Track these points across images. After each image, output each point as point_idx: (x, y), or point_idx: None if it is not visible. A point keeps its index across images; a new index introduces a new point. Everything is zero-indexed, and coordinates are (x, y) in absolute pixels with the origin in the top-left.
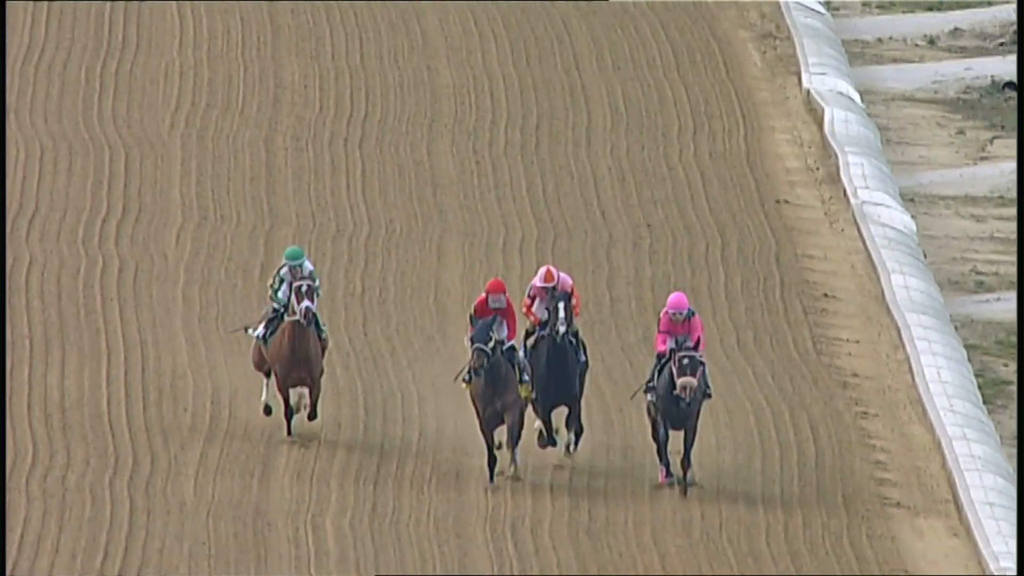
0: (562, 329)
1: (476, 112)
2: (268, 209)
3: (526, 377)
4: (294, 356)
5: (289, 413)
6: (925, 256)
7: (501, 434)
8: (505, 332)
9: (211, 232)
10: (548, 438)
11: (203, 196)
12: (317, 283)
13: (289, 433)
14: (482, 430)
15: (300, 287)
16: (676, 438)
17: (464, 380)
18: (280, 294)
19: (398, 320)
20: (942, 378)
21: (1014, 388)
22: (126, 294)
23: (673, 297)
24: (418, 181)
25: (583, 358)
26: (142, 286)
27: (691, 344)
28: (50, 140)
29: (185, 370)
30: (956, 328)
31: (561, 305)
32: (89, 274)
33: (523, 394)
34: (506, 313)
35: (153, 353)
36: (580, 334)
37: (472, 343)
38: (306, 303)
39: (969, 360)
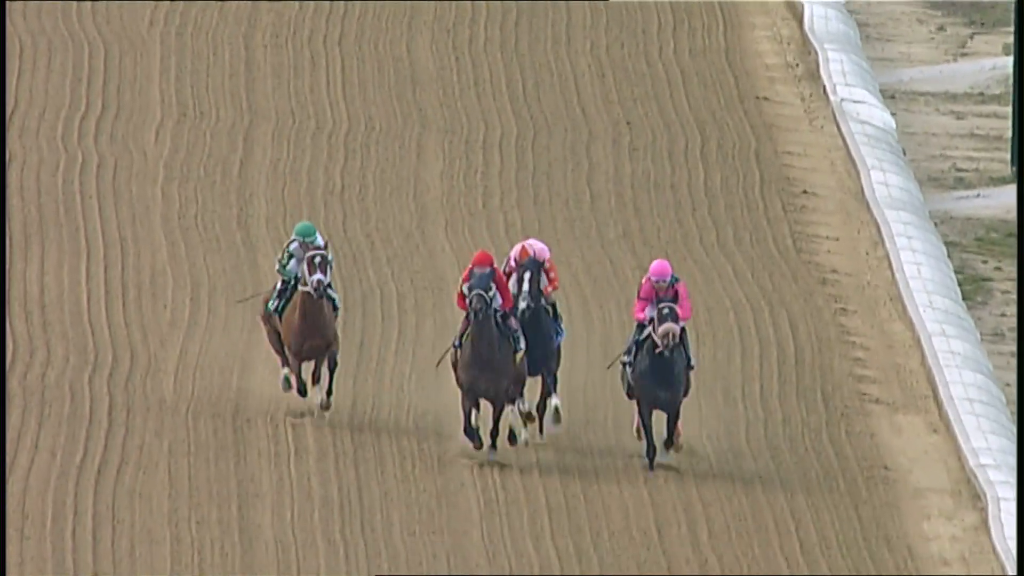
0: (522, 304)
1: (455, 9)
2: (247, 106)
3: (521, 344)
4: (307, 325)
5: (303, 387)
6: (905, 153)
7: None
8: (499, 301)
9: (190, 129)
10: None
11: (182, 93)
12: (330, 255)
13: (302, 394)
14: (463, 405)
15: (313, 257)
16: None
17: (454, 346)
18: (289, 268)
19: (377, 217)
20: (922, 275)
21: (993, 284)
22: (105, 191)
23: (656, 264)
24: (398, 78)
25: (560, 331)
26: (121, 183)
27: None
28: (29, 37)
29: (164, 267)
30: (936, 225)
31: (527, 276)
32: (68, 171)
33: (518, 361)
34: (497, 284)
35: (133, 250)
36: (557, 307)
37: (470, 291)
38: (318, 275)
39: (949, 257)
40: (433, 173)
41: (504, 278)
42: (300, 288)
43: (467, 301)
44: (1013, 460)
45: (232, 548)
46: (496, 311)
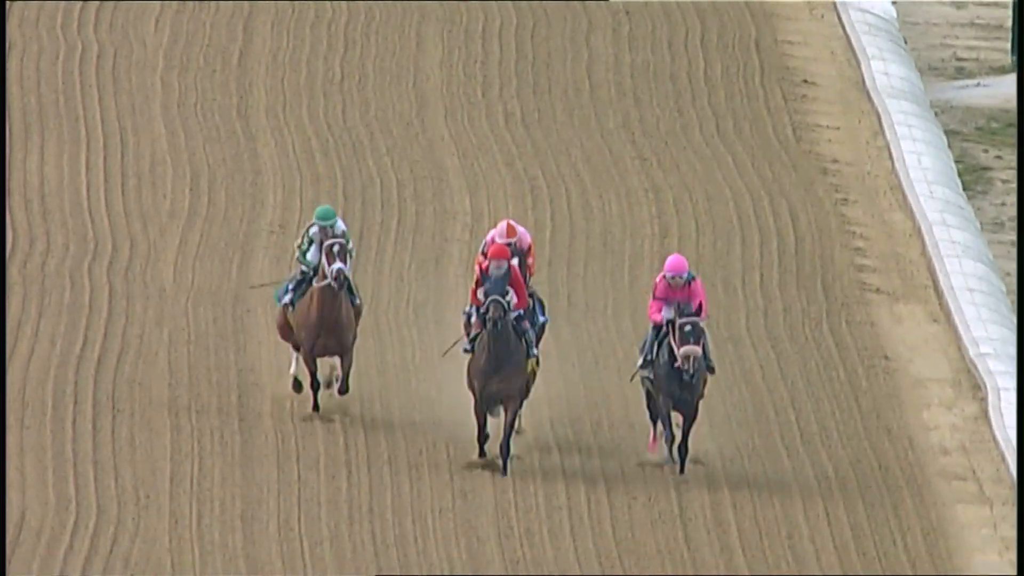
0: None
1: None
2: None
3: (535, 351)
4: (322, 323)
5: (316, 385)
6: (905, 42)
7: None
8: (514, 300)
9: (190, 18)
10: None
11: None
12: (350, 244)
13: (316, 408)
14: (475, 410)
15: (332, 246)
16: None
17: (465, 349)
18: (309, 256)
19: (377, 107)
20: (922, 164)
21: (993, 174)
22: (105, 80)
23: (671, 260)
24: None
25: (543, 318)
26: (121, 72)
27: (692, 310)
28: None
29: (164, 156)
30: (936, 114)
31: (514, 263)
32: (68, 60)
33: (531, 368)
34: (513, 282)
35: (132, 139)
36: (537, 294)
37: (486, 296)
38: (338, 264)
39: (949, 146)
40: (433, 62)
41: (520, 275)
42: (316, 283)
43: (484, 307)
44: (1013, 350)
45: (231, 437)
46: (511, 312)
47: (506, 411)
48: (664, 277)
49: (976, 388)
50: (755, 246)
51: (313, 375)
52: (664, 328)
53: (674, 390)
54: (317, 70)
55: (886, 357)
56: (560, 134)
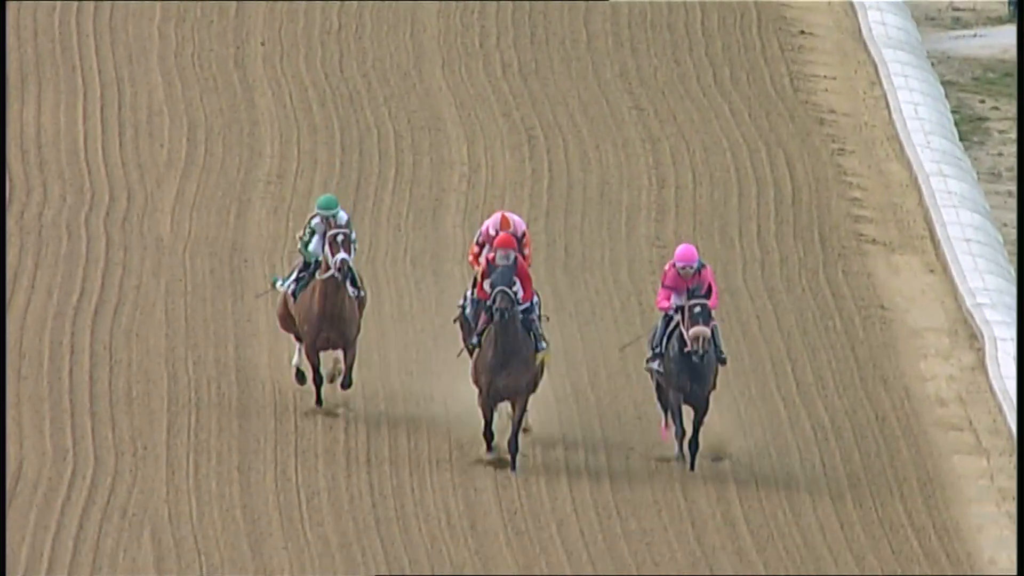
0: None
1: None
2: None
3: (543, 344)
4: (325, 315)
5: (319, 380)
6: None
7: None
8: (520, 292)
9: None
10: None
11: None
12: (354, 234)
13: (319, 403)
14: (481, 405)
15: (335, 236)
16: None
17: (472, 344)
18: (312, 247)
19: (374, 56)
20: (919, 114)
21: (990, 124)
22: (102, 30)
23: (681, 249)
24: None
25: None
26: (118, 22)
27: (700, 293)
28: None
29: (161, 107)
30: (933, 64)
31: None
32: (65, 10)
33: (540, 359)
34: (519, 273)
35: (129, 89)
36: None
37: (493, 287)
38: (342, 254)
39: (946, 97)
40: (430, 12)
41: (526, 266)
42: (319, 276)
43: (491, 299)
44: (1010, 300)
45: (229, 387)
46: (519, 305)
47: (514, 407)
48: (673, 266)
49: (973, 338)
50: (752, 197)
51: (316, 369)
52: (675, 316)
53: (684, 383)
54: (314, 20)
55: (883, 307)
56: (557, 84)
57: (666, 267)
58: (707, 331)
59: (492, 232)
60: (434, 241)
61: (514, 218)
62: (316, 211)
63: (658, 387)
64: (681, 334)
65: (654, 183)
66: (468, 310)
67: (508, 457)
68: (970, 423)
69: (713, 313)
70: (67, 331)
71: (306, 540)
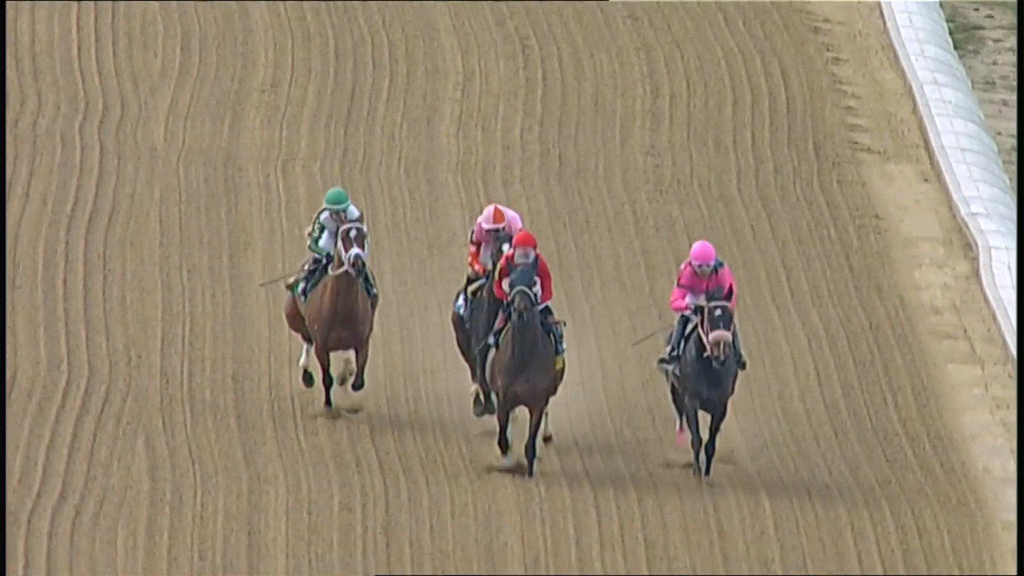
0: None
1: None
2: None
3: (563, 347)
4: (336, 314)
5: (328, 381)
6: None
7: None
8: (539, 292)
9: None
10: (485, 405)
11: None
12: (366, 228)
13: (328, 404)
14: (499, 413)
15: (348, 231)
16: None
17: (492, 345)
18: (322, 243)
19: None
20: (913, 23)
21: (985, 33)
22: None
23: (698, 247)
24: None
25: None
26: None
27: (723, 295)
28: None
29: (155, 15)
30: None
31: (506, 248)
32: None
33: (559, 366)
34: (539, 273)
35: None
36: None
37: (511, 287)
38: (355, 250)
39: (940, 5)
40: None
41: (547, 265)
42: (331, 272)
43: (510, 299)
44: (1004, 209)
45: (223, 296)
46: (538, 302)
47: (532, 413)
48: (689, 264)
49: (967, 247)
50: (746, 106)
51: (326, 371)
52: (692, 317)
53: (701, 390)
54: None
55: (877, 216)
56: None
57: (682, 266)
58: (728, 336)
59: (486, 227)
60: (428, 150)
61: (509, 213)
62: (325, 206)
63: (673, 389)
64: (699, 337)
65: (648, 92)
66: (463, 310)
67: (525, 463)
68: (964, 332)
69: (734, 316)
70: (61, 240)
71: (300, 449)
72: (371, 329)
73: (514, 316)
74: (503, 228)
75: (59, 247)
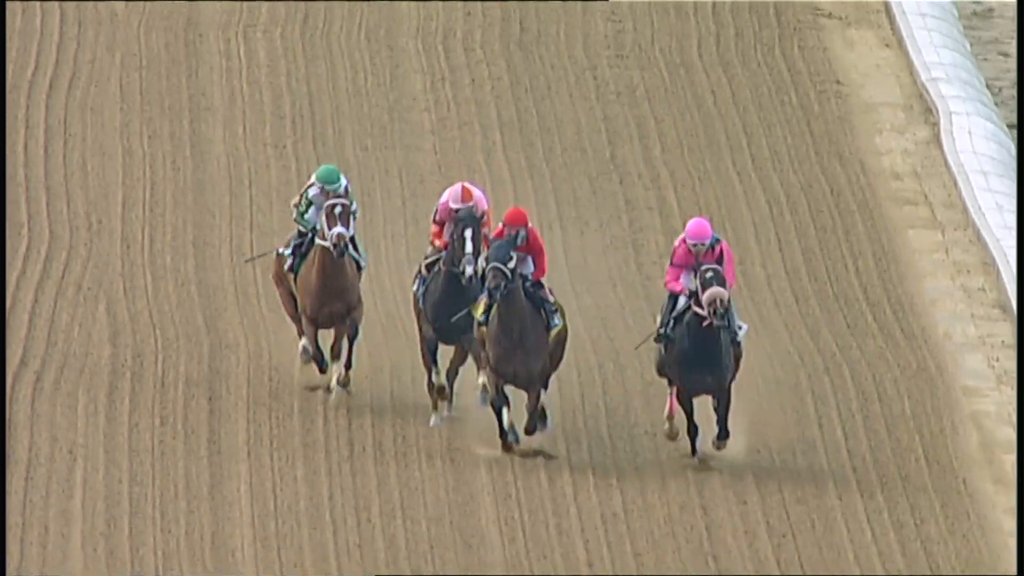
0: (468, 270)
1: None
2: None
3: (557, 320)
4: (326, 288)
5: (321, 357)
6: None
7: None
8: (531, 268)
9: None
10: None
11: None
12: (354, 204)
13: (322, 371)
14: (492, 392)
15: (333, 207)
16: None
17: (480, 322)
18: (308, 216)
19: None
20: None
21: None
22: None
23: (693, 224)
24: None
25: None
26: None
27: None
28: None
29: None
30: None
31: (468, 234)
32: None
33: (554, 338)
34: (531, 248)
35: None
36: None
37: (487, 263)
38: (339, 228)
39: None
40: None
41: (540, 242)
42: (318, 242)
43: (482, 278)
44: (965, 74)
45: (184, 162)
46: (524, 279)
47: (529, 395)
48: (684, 242)
49: (928, 112)
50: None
51: (317, 347)
52: (686, 302)
53: (698, 375)
54: None
55: (838, 82)
56: None
57: (676, 242)
58: (724, 292)
59: (453, 206)
60: (388, 16)
61: (476, 192)
62: (314, 181)
63: (661, 365)
64: (690, 322)
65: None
66: (419, 288)
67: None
68: (925, 197)
69: (729, 291)
70: (22, 105)
71: (262, 314)
72: (361, 302)
73: (491, 295)
74: (472, 206)
75: (19, 112)
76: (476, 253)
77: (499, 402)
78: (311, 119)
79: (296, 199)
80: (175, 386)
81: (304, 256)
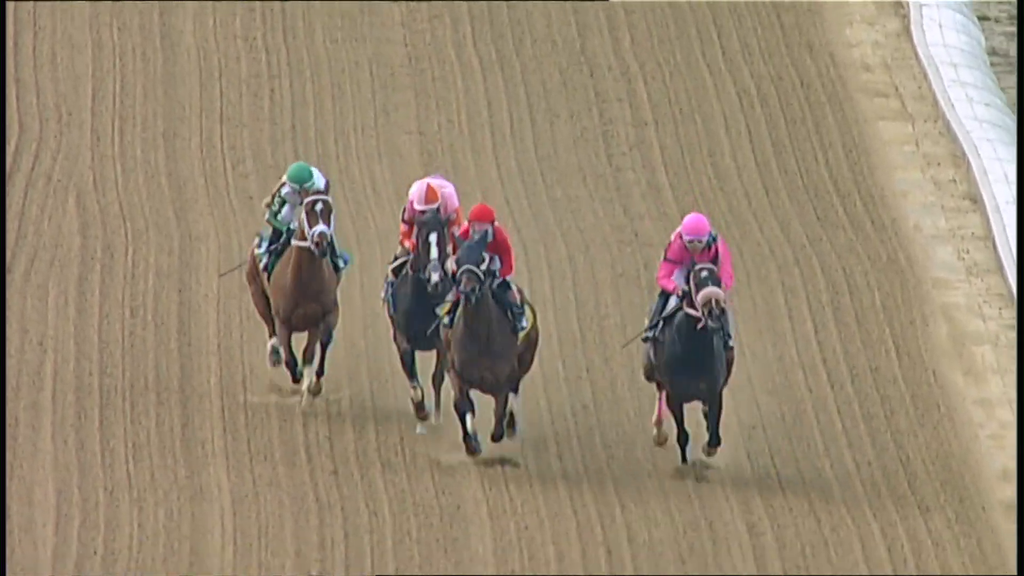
0: (435, 277)
1: None
2: None
3: (524, 323)
4: (300, 289)
5: (294, 362)
6: None
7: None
8: (498, 266)
9: None
10: (414, 375)
11: None
12: (332, 199)
13: (295, 380)
14: (456, 404)
15: (314, 204)
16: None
17: (446, 325)
18: (282, 216)
19: None
20: None
21: None
22: None
23: (690, 220)
24: None
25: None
26: None
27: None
28: None
29: None
30: None
31: (433, 239)
32: None
33: (520, 340)
34: (498, 246)
35: None
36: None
37: (458, 266)
38: (320, 227)
39: None
40: None
41: (508, 242)
42: (294, 242)
43: (457, 279)
44: None
45: (154, 54)
46: (493, 277)
47: (496, 400)
48: (680, 237)
49: (898, 4)
50: None
51: (289, 351)
52: (677, 302)
53: (689, 380)
54: None
55: None
56: None
57: (672, 236)
58: (719, 292)
59: (418, 207)
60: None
61: (444, 191)
62: (285, 180)
63: (650, 369)
64: (682, 320)
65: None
66: (389, 292)
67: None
68: (895, 89)
69: (727, 293)
70: None
71: (232, 207)
72: (336, 305)
73: (463, 298)
74: (439, 207)
75: None
76: (442, 258)
77: (463, 407)
78: (281, 11)
79: (268, 199)
80: (145, 278)
81: (279, 256)
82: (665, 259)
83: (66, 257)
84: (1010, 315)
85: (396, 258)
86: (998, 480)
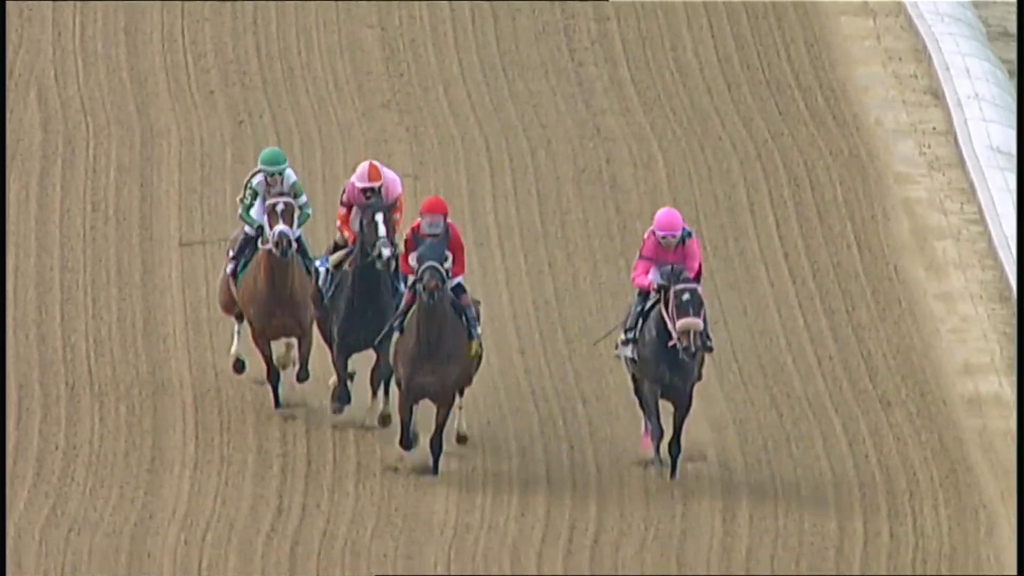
0: (386, 252)
1: None
2: None
3: (477, 330)
4: (273, 296)
5: (274, 375)
6: None
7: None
8: (449, 265)
9: None
10: (343, 395)
11: None
12: (303, 199)
13: (277, 404)
14: (400, 407)
15: (275, 205)
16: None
17: (395, 328)
18: (254, 213)
19: None
20: None
21: None
22: None
23: (663, 215)
24: None
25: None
26: None
27: (691, 276)
28: None
29: None
30: None
31: (379, 218)
32: None
33: (472, 353)
34: (451, 245)
35: None
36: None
37: (420, 262)
38: (280, 227)
39: None
40: None
41: (460, 239)
42: (261, 246)
43: (418, 276)
44: None
45: None
46: (449, 279)
47: (438, 409)
48: (653, 234)
49: None
50: None
51: (270, 364)
52: (655, 296)
53: (663, 374)
54: None
55: None
56: None
57: (645, 234)
58: (699, 323)
59: (359, 186)
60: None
61: (387, 173)
62: (259, 167)
63: (635, 380)
64: (659, 315)
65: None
66: (322, 280)
67: (430, 462)
68: None
69: (704, 301)
70: None
71: (193, 102)
72: (313, 313)
73: (423, 296)
74: (379, 188)
75: None
76: (390, 236)
77: (406, 411)
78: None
79: (240, 193)
80: (107, 172)
81: (248, 259)
82: (640, 257)
83: (27, 152)
84: (972, 210)
85: (336, 246)
86: (959, 374)
